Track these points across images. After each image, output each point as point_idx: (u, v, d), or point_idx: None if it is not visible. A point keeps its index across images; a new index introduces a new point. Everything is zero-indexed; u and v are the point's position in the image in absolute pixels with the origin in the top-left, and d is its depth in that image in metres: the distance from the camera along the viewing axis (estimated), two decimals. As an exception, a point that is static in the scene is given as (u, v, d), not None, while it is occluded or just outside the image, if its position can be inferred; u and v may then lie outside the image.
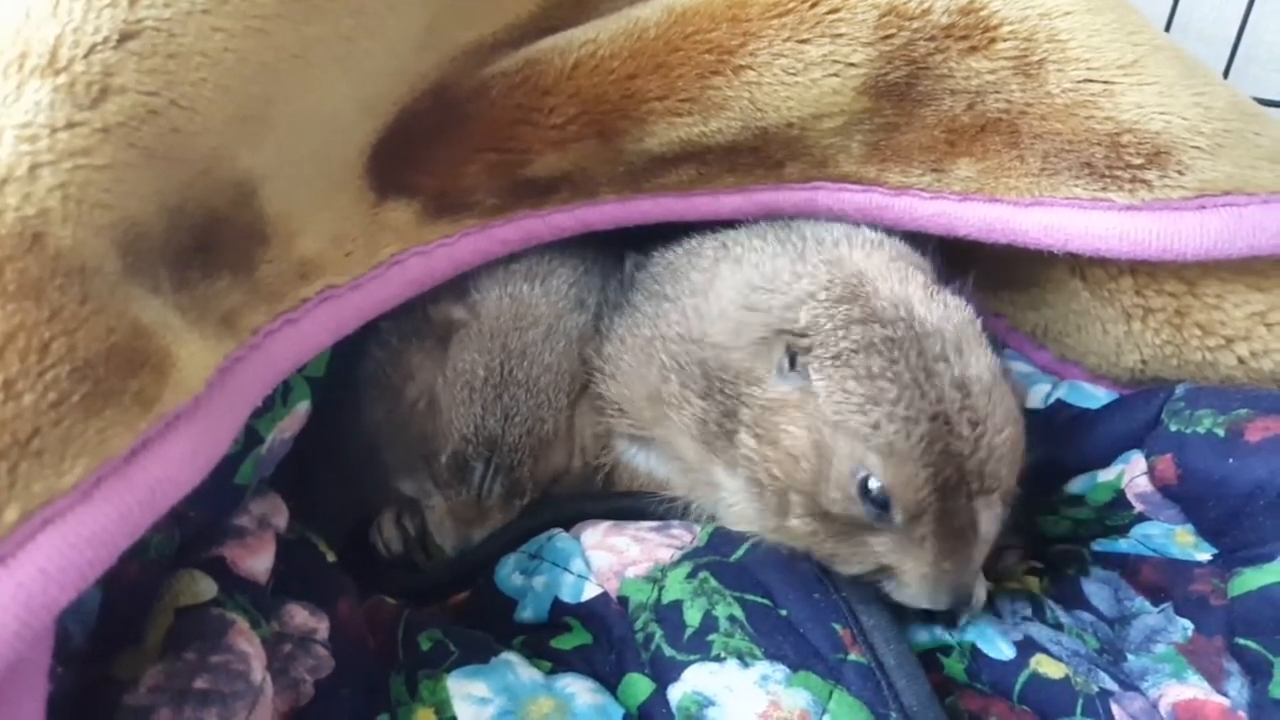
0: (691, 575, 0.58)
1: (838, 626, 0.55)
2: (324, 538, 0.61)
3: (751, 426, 0.59)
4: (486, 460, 0.67)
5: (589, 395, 0.70)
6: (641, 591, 0.59)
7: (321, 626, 0.54)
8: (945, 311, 0.57)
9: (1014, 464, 0.56)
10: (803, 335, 0.57)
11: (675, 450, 0.65)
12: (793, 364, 0.58)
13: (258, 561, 0.52)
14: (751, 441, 0.59)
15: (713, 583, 0.57)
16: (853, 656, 0.53)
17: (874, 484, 0.54)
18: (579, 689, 0.54)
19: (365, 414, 0.72)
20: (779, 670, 0.52)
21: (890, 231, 0.67)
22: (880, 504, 0.55)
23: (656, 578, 0.59)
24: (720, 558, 0.60)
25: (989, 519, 0.55)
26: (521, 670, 0.55)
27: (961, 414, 0.54)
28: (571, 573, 0.62)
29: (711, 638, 0.54)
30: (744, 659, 0.53)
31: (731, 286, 0.62)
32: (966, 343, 0.56)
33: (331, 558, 0.60)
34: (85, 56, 0.41)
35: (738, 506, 0.61)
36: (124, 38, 0.42)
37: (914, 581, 0.56)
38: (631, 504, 0.68)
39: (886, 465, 0.53)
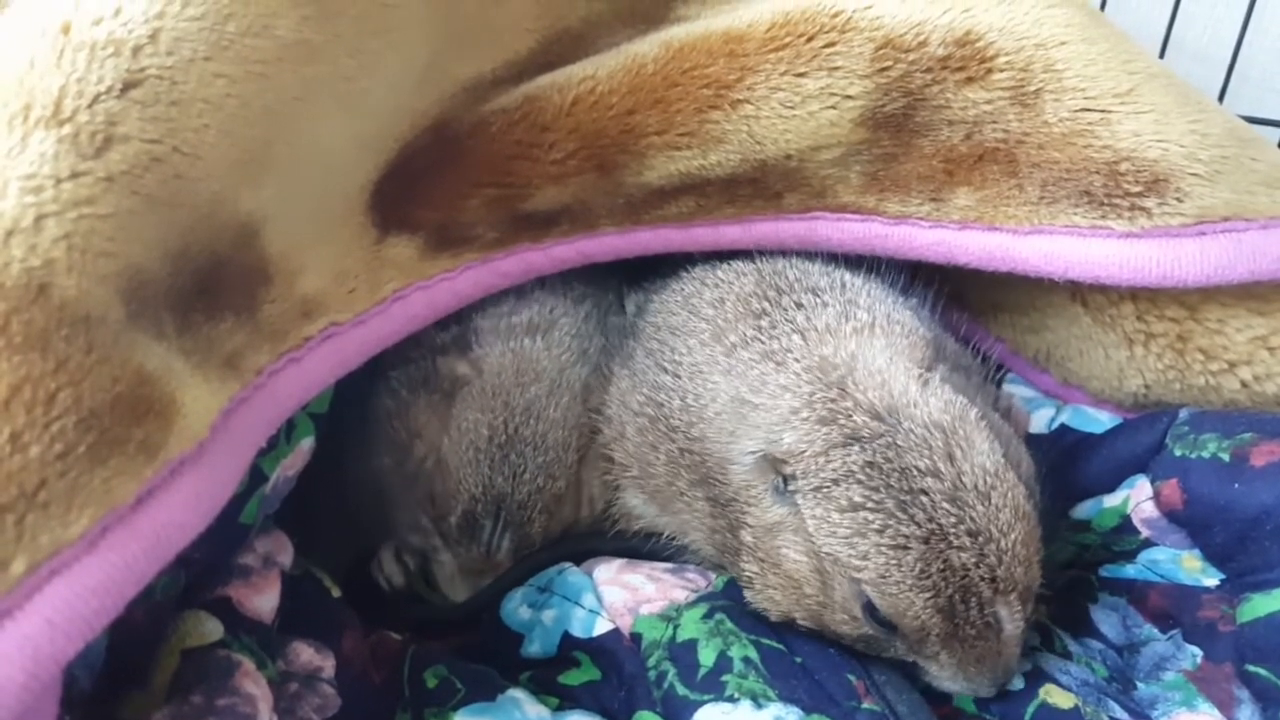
0: (707, 616, 0.58)
1: (852, 677, 0.55)
2: (327, 571, 0.61)
3: (753, 549, 0.58)
4: (495, 516, 0.67)
5: (595, 448, 0.70)
6: (656, 629, 0.58)
7: (327, 664, 0.54)
8: (935, 413, 0.55)
9: (1029, 560, 0.54)
10: (786, 461, 0.56)
11: (693, 542, 0.65)
12: (786, 484, 0.56)
13: (263, 600, 0.52)
14: (754, 567, 0.58)
15: (728, 624, 0.57)
16: (866, 705, 0.53)
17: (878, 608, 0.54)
18: (586, 726, 0.54)
19: (373, 460, 0.72)
20: (793, 713, 0.52)
21: (891, 281, 0.68)
22: (889, 625, 0.54)
23: (671, 616, 0.59)
24: (736, 603, 0.60)
25: (1011, 618, 0.54)
26: (528, 707, 0.54)
27: (959, 526, 0.52)
28: (583, 607, 0.62)
29: (725, 678, 0.54)
30: (758, 700, 0.53)
31: (724, 392, 0.61)
32: (960, 445, 0.54)
33: (336, 593, 0.60)
34: (89, 106, 0.41)
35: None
36: (127, 86, 0.43)
37: (944, 680, 0.56)
38: (644, 546, 0.68)
39: (883, 596, 0.53)
